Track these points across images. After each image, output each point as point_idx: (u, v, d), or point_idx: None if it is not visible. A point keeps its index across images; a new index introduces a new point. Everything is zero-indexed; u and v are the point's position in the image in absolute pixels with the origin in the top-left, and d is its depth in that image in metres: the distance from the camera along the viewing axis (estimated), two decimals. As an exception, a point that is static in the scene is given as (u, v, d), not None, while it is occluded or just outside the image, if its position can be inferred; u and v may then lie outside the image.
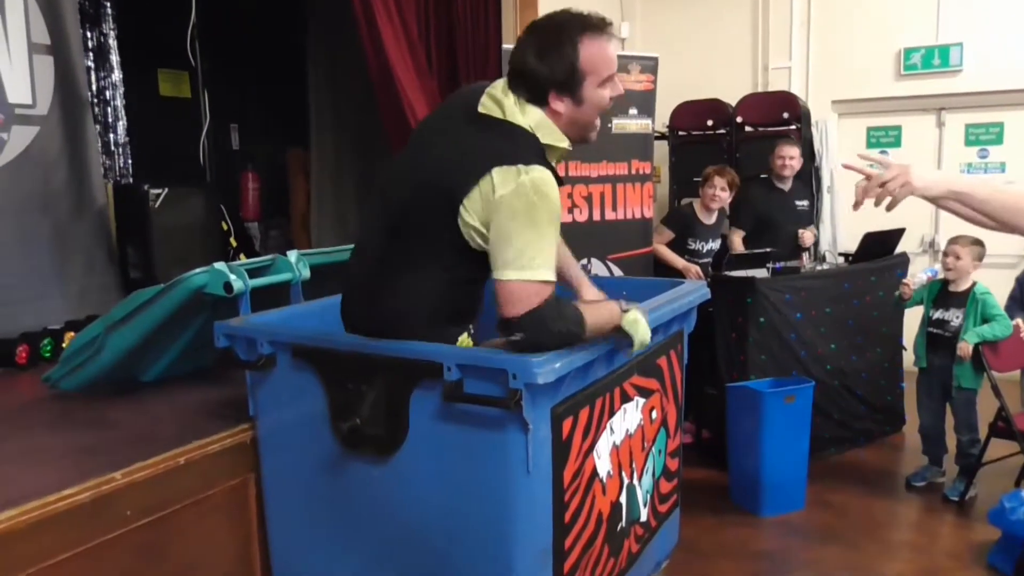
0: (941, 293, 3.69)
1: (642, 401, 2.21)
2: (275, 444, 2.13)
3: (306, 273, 2.41)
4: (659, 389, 2.33)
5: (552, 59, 1.69)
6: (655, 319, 2.11)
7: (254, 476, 2.19)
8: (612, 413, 2.03)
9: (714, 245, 4.42)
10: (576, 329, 1.70)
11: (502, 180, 1.63)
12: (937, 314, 3.66)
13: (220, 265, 2.15)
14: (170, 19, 4.63)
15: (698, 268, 4.21)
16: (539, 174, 1.64)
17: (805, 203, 4.67)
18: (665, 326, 2.27)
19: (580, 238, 2.11)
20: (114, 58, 5.45)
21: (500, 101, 1.76)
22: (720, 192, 4.26)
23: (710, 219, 4.38)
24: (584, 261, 3.10)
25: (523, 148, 1.69)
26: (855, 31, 5.58)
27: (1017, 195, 1.91)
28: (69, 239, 3.54)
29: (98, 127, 5.34)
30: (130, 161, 5.56)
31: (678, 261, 4.27)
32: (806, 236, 4.61)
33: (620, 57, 4.16)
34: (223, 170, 6.29)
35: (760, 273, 3.96)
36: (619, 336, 1.84)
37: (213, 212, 4.13)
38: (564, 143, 1.78)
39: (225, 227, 4.30)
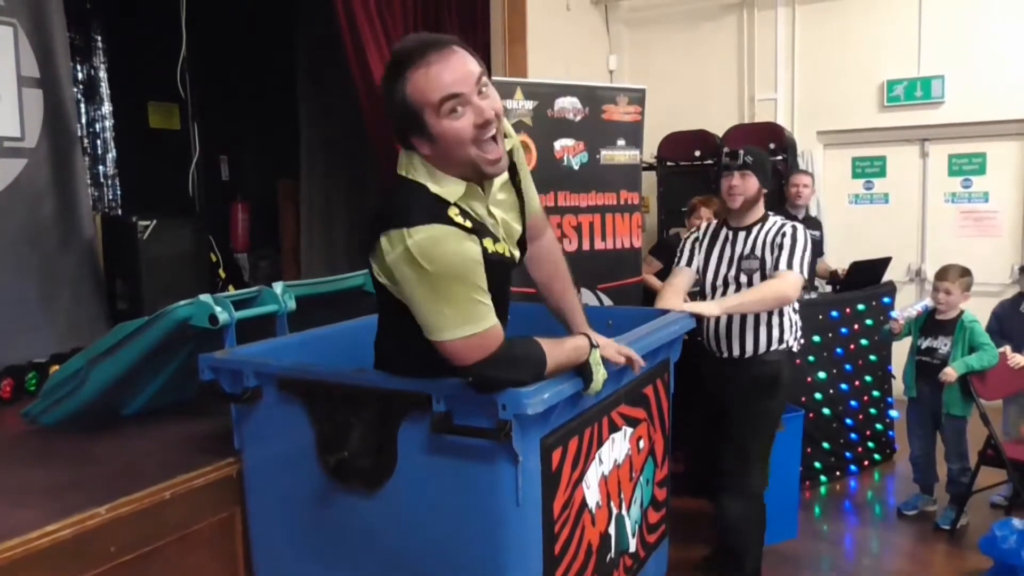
0: (929, 321, 3.70)
1: (630, 430, 2.21)
2: (261, 477, 2.11)
3: (292, 305, 2.40)
4: (646, 418, 2.33)
5: (390, 100, 1.56)
6: (641, 347, 2.11)
7: (240, 510, 2.16)
8: (600, 443, 2.02)
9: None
10: (531, 373, 1.65)
11: (389, 245, 1.54)
12: (926, 343, 3.67)
13: (205, 297, 2.15)
14: (160, 52, 4.66)
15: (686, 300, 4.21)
16: (424, 235, 1.50)
17: (817, 233, 4.73)
18: (652, 355, 2.26)
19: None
20: (104, 91, 5.50)
21: (401, 155, 1.68)
22: (706, 222, 4.28)
23: None
24: None
25: (413, 207, 1.55)
26: (839, 63, 5.67)
27: (762, 291, 2.74)
28: (57, 271, 3.52)
29: (87, 159, 5.38)
30: (119, 192, 5.59)
31: (667, 291, 4.27)
32: (822, 267, 4.72)
33: (608, 89, 4.25)
34: (213, 201, 6.30)
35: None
36: (581, 374, 1.78)
37: (202, 243, 4.13)
38: (456, 187, 1.61)
39: (214, 258, 4.29)
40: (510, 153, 1.77)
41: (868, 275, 4.43)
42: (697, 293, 3.06)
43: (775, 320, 2.87)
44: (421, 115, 1.53)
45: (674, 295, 2.89)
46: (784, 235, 2.82)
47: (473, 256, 1.56)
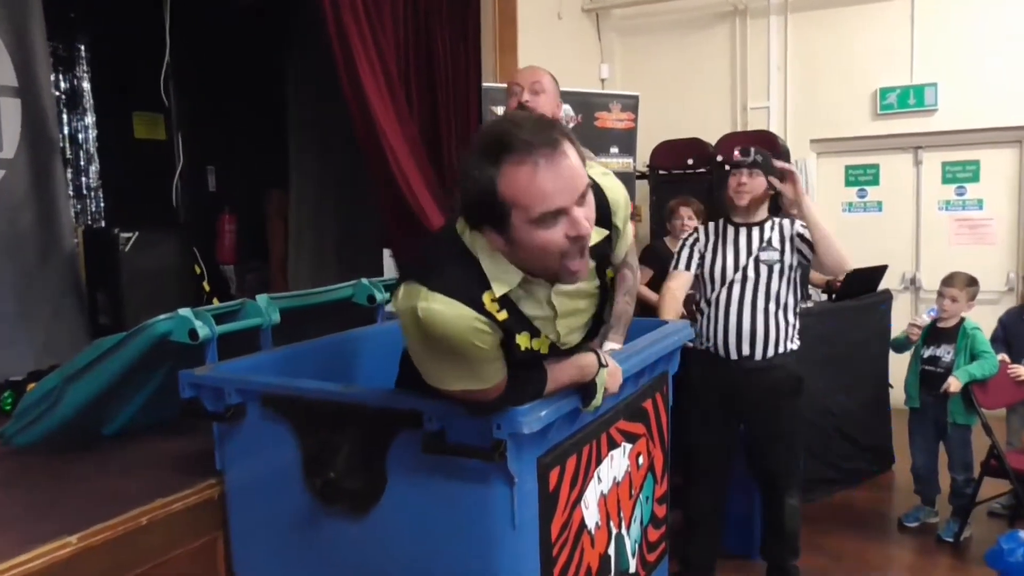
0: (931, 330, 3.64)
1: (629, 447, 2.13)
2: (244, 500, 2.02)
3: (276, 318, 2.31)
4: (645, 433, 2.25)
5: (471, 180, 1.33)
6: (640, 361, 2.04)
7: (222, 534, 2.07)
8: (599, 461, 1.94)
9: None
10: (527, 399, 1.57)
11: (402, 295, 1.40)
12: (928, 351, 3.61)
13: (185, 311, 2.06)
14: (146, 62, 4.59)
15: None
16: (440, 307, 1.34)
17: None
18: (650, 368, 2.19)
19: None
20: (87, 101, 5.41)
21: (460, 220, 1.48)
22: (688, 221, 4.26)
23: None
24: None
25: (446, 270, 1.38)
26: (832, 72, 5.64)
27: (668, 302, 2.94)
28: (35, 285, 3.43)
29: (70, 171, 5.28)
30: (102, 204, 5.49)
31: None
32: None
33: (601, 96, 4.20)
34: (200, 212, 6.22)
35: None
36: (583, 391, 1.70)
37: (186, 255, 4.03)
38: (512, 276, 1.41)
39: (198, 270, 4.20)
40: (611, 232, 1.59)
41: (864, 284, 4.37)
42: (704, 295, 3.01)
43: (791, 319, 2.91)
44: (508, 215, 1.31)
45: (673, 301, 2.95)
46: (795, 226, 2.89)
47: (487, 348, 1.41)
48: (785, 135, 5.65)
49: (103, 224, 5.42)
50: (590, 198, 1.38)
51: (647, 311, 4.21)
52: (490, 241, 1.39)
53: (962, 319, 3.55)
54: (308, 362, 2.20)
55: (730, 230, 2.98)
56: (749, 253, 2.90)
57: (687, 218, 4.26)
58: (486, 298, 1.39)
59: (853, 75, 5.57)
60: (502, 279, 1.41)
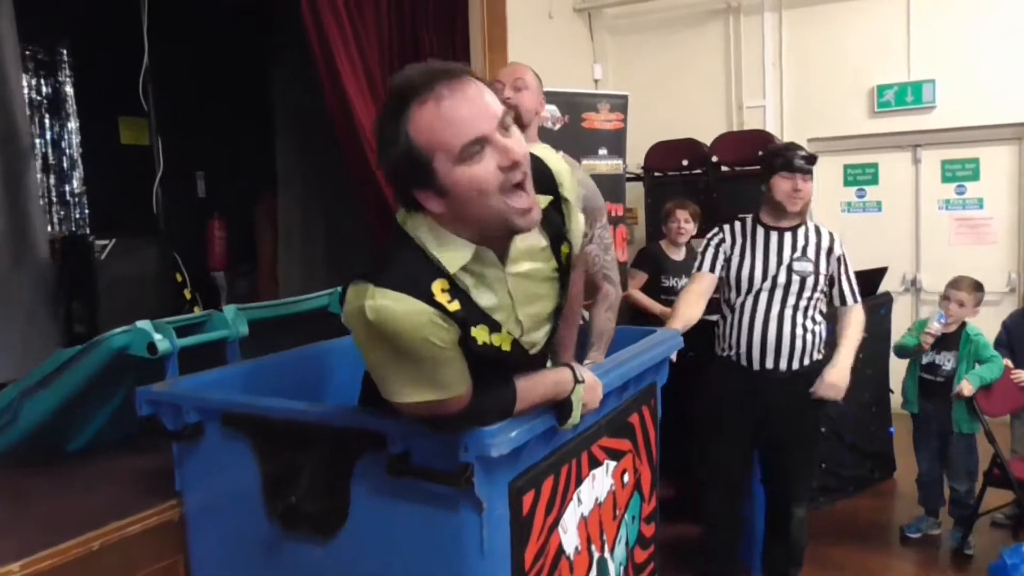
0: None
1: (613, 464, 2.02)
2: (205, 523, 1.91)
3: (243, 330, 2.21)
4: (631, 449, 2.14)
5: (387, 147, 1.25)
6: (622, 374, 1.93)
7: (183, 558, 1.96)
8: (580, 481, 1.83)
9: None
10: (495, 419, 1.46)
11: (351, 296, 1.28)
12: (927, 358, 3.49)
13: (144, 324, 1.96)
14: (131, 66, 4.49)
15: (677, 313, 4.03)
16: (388, 303, 1.23)
17: None
18: (635, 380, 2.08)
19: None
20: (71, 106, 5.31)
21: (400, 211, 1.38)
22: (685, 224, 4.19)
23: (679, 255, 4.26)
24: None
25: (393, 263, 1.29)
26: (828, 69, 5.54)
27: (856, 335, 2.86)
28: (7, 294, 3.33)
29: (52, 177, 5.18)
30: (87, 211, 5.38)
31: (655, 307, 4.11)
32: None
33: (589, 96, 4.09)
34: (190, 218, 6.12)
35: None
36: (558, 409, 1.59)
37: (166, 263, 3.93)
38: (462, 251, 1.31)
39: (180, 278, 4.09)
40: (560, 209, 1.50)
41: (864, 286, 4.24)
42: (726, 299, 2.89)
43: (820, 329, 2.82)
44: (430, 163, 1.23)
45: (698, 300, 2.82)
46: (834, 246, 2.82)
47: (443, 346, 1.30)
48: (781, 134, 5.55)
49: (87, 231, 5.32)
50: (518, 133, 1.29)
51: (640, 317, 4.13)
52: (428, 211, 1.29)
53: (963, 324, 3.43)
54: (275, 377, 2.10)
55: (759, 232, 2.82)
56: (780, 260, 2.76)
57: (683, 221, 4.19)
58: (436, 288, 1.28)
59: (849, 72, 5.47)
60: (452, 255, 1.31)
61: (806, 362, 2.78)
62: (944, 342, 3.43)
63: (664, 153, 5.37)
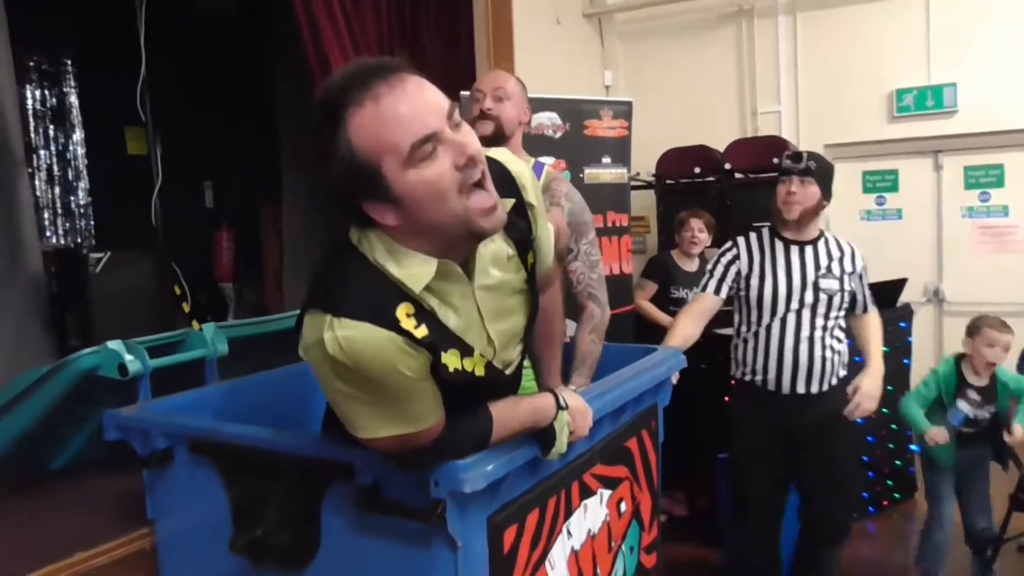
0: (961, 389, 3.05)
1: (607, 493, 1.89)
2: (175, 553, 1.82)
3: (222, 349, 2.11)
4: (629, 477, 2.01)
5: (328, 159, 1.13)
6: (618, 397, 1.81)
7: (153, 591, 1.86)
8: (569, 513, 1.71)
9: (699, 293, 4.14)
10: (469, 450, 1.34)
11: (308, 328, 1.16)
12: (961, 410, 3.02)
13: (115, 344, 1.87)
14: (137, 76, 4.45)
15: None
16: (351, 334, 1.11)
17: None
18: (633, 403, 1.96)
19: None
20: (75, 116, 5.28)
21: (352, 230, 1.25)
22: (699, 234, 4.07)
23: (691, 265, 4.13)
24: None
25: (351, 289, 1.16)
26: (845, 73, 5.37)
27: (878, 339, 2.72)
28: (-1, 308, 3.26)
29: (57, 188, 5.15)
30: (92, 223, 5.35)
31: (664, 319, 3.97)
32: None
33: (591, 103, 3.96)
34: (196, 229, 6.09)
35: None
36: (541, 438, 1.47)
37: (164, 276, 3.86)
38: (424, 267, 1.19)
39: (178, 291, 4.02)
40: (525, 210, 1.39)
41: (883, 298, 4.08)
42: (746, 321, 2.72)
43: (844, 346, 2.68)
44: (377, 170, 1.11)
45: (698, 320, 2.66)
46: (856, 261, 2.69)
47: (413, 376, 1.18)
48: (798, 140, 5.40)
49: (93, 243, 5.28)
50: (467, 127, 1.18)
51: (647, 329, 4.00)
52: (382, 225, 1.17)
53: (992, 367, 3.02)
54: (254, 399, 1.99)
55: (779, 247, 2.65)
56: (804, 278, 2.60)
57: (697, 230, 4.08)
58: (401, 313, 1.17)
59: (867, 76, 5.30)
60: (413, 273, 1.19)
61: (833, 382, 2.65)
62: (981, 395, 3.04)
63: (676, 160, 5.24)
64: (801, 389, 2.62)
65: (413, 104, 1.11)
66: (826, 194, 2.62)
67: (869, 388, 2.57)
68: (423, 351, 1.19)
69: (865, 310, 2.76)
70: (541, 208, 1.46)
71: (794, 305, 2.60)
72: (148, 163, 5.45)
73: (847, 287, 2.63)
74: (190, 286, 5.11)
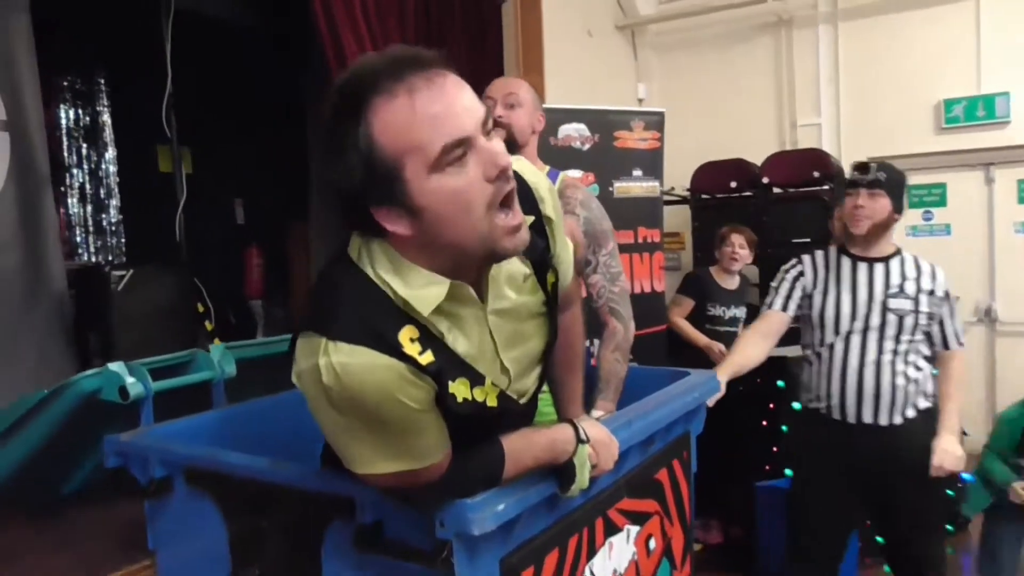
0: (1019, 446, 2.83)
1: (635, 530, 1.75)
2: (176, 589, 1.72)
3: (230, 370, 2.02)
4: (658, 511, 1.87)
5: (339, 153, 1.01)
6: (646, 427, 1.67)
7: (152, 628, 1.77)
8: (592, 552, 1.57)
9: (737, 312, 3.99)
10: (478, 488, 1.21)
11: (301, 352, 1.05)
12: None
13: (116, 365, 1.79)
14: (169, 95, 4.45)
15: (721, 347, 3.74)
16: (347, 360, 1.00)
17: None
18: (663, 432, 1.82)
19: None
20: (108, 135, 5.31)
21: (353, 239, 1.13)
22: (740, 250, 3.91)
23: (731, 283, 3.97)
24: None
25: (347, 310, 1.04)
26: (889, 83, 5.19)
27: (956, 386, 2.43)
28: (21, 327, 3.23)
29: (90, 206, 5.18)
30: (123, 240, 5.36)
31: (700, 338, 3.82)
32: None
33: (621, 113, 3.84)
34: (229, 246, 6.09)
35: (793, 350, 3.48)
36: (560, 474, 1.34)
37: (186, 293, 3.81)
38: (435, 288, 1.07)
39: (201, 309, 3.98)
40: (541, 228, 1.27)
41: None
42: (811, 342, 2.54)
43: (925, 372, 2.44)
44: (398, 172, 0.99)
45: (761, 341, 2.50)
46: (937, 282, 2.45)
47: (417, 407, 1.07)
48: (839, 154, 5.22)
49: (124, 260, 5.30)
50: (499, 140, 1.06)
51: (680, 348, 3.85)
52: (392, 235, 1.05)
53: None
54: (258, 424, 1.90)
55: (846, 264, 2.47)
56: (871, 297, 2.41)
57: (738, 246, 3.92)
58: (403, 337, 1.05)
59: (913, 86, 5.12)
60: (422, 294, 1.06)
61: (909, 413, 2.41)
62: None
63: (711, 174, 5.09)
64: (868, 418, 2.41)
65: (450, 103, 1.00)
66: (897, 207, 2.45)
67: (947, 445, 2.34)
68: (428, 380, 1.08)
69: (945, 345, 2.48)
70: (560, 222, 1.34)
71: (859, 325, 2.40)
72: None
73: (923, 308, 2.41)
74: (219, 304, 5.08)
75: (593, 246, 2.02)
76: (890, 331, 2.38)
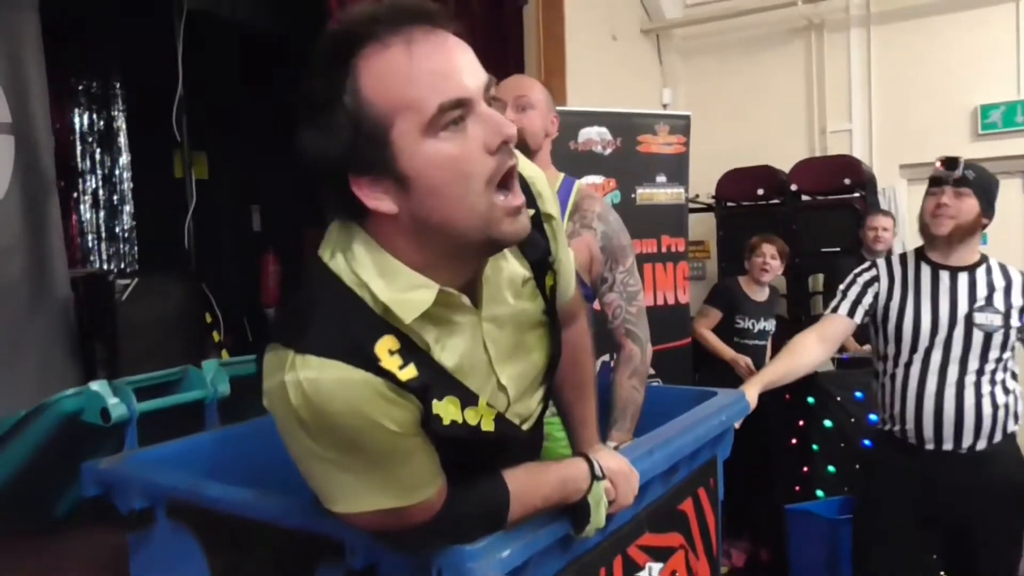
0: None
1: (658, 567, 1.60)
2: (158, 627, 1.59)
3: (223, 389, 1.89)
4: (683, 544, 1.71)
5: (319, 113, 0.89)
6: (669, 456, 1.52)
7: (133, 668, 1.64)
8: (610, 595, 1.43)
9: (766, 325, 3.81)
10: (480, 531, 1.06)
11: (267, 368, 0.91)
12: None
13: (98, 385, 1.67)
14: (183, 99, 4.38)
15: (748, 360, 3.57)
16: (314, 375, 0.86)
17: None
18: (688, 459, 1.67)
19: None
20: (122, 140, 5.25)
21: (330, 230, 1.00)
22: (771, 260, 3.73)
23: (761, 295, 3.80)
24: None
25: (316, 320, 0.90)
26: (923, 88, 5.02)
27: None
28: (23, 336, 3.14)
29: (103, 212, 5.11)
30: (135, 247, 5.29)
31: (726, 351, 3.66)
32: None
33: (645, 116, 3.69)
34: (245, 253, 6.01)
35: (823, 366, 3.31)
36: (573, 513, 1.20)
37: (195, 303, 3.70)
38: (422, 293, 0.93)
39: (209, 319, 3.87)
40: (541, 223, 1.14)
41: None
42: (883, 356, 2.30)
43: (1015, 393, 2.20)
44: (387, 132, 0.87)
45: (817, 345, 2.29)
46: None
47: (399, 431, 0.93)
48: (870, 161, 5.07)
49: (136, 268, 5.22)
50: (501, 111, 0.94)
51: (707, 361, 3.69)
52: (375, 219, 0.92)
53: None
54: (250, 449, 1.76)
55: (925, 272, 2.22)
56: (954, 310, 2.15)
57: (769, 257, 3.75)
58: (382, 349, 0.91)
59: (949, 91, 4.94)
60: (406, 298, 0.92)
61: (996, 439, 2.17)
62: None
63: (737, 181, 4.94)
64: (948, 445, 2.17)
65: (451, 58, 0.88)
66: (987, 211, 2.19)
67: None
68: (411, 398, 0.93)
69: None
70: (560, 221, 1.21)
71: (940, 340, 2.16)
72: (198, 187, 5.44)
73: (1015, 323, 2.17)
74: (235, 312, 4.98)
75: (610, 262, 1.88)
76: (975, 349, 2.13)
